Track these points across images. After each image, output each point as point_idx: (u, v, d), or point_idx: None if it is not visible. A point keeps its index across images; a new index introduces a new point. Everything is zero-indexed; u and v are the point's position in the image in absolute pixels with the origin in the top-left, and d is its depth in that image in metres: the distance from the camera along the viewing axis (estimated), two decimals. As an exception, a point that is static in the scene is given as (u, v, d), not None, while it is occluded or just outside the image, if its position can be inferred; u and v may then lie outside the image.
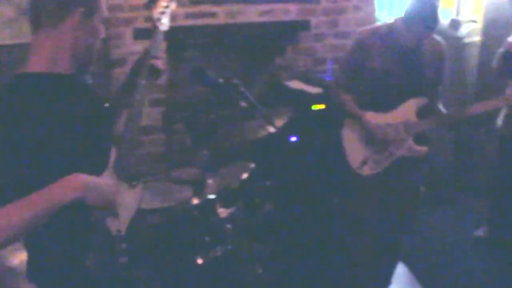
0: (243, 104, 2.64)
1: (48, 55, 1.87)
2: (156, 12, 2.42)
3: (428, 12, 3.10)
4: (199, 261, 3.11)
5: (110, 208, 1.94)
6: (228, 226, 3.31)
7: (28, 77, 1.84)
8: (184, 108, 4.44)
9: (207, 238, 3.19)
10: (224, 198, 3.36)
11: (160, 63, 2.29)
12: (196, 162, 3.78)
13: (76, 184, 1.75)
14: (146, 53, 2.28)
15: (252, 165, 3.52)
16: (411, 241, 4.09)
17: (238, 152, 4.01)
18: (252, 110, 2.68)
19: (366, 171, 3.46)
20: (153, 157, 4.40)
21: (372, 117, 3.39)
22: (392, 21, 3.36)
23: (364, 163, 3.47)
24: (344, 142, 3.55)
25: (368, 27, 3.55)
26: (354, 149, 3.51)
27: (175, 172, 3.80)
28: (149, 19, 2.29)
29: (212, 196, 3.25)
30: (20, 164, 1.72)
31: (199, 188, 3.36)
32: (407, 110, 3.37)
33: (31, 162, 1.73)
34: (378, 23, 3.46)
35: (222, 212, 3.36)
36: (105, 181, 1.91)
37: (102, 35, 2.00)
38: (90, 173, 1.84)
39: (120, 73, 4.12)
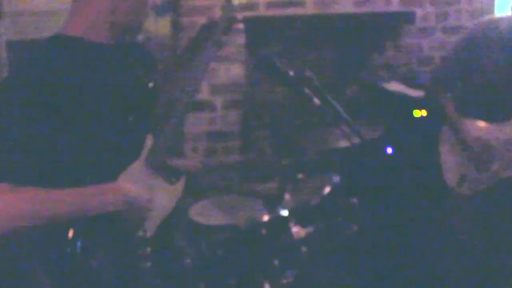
0: (317, 102, 2.46)
1: (86, 21, 1.91)
2: None
3: None
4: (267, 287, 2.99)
5: (140, 224, 1.99)
6: (303, 248, 3.16)
7: (62, 39, 1.90)
8: (265, 111, 4.37)
9: (276, 262, 3.06)
10: (301, 216, 3.21)
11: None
12: (275, 174, 3.68)
13: (118, 197, 1.84)
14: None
15: (337, 178, 3.39)
16: None
17: (323, 162, 3.89)
18: (329, 110, 2.50)
19: (465, 190, 3.32)
20: (227, 167, 4.32)
21: (477, 127, 3.24)
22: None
23: (462, 180, 3.31)
24: (441, 153, 3.40)
25: (485, 19, 3.41)
26: (452, 163, 3.37)
27: (251, 184, 3.80)
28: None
29: (285, 213, 3.13)
30: (47, 131, 1.76)
31: (273, 203, 3.24)
32: None
33: (57, 131, 1.77)
34: (497, 15, 3.28)
35: (297, 232, 3.20)
36: (145, 195, 1.95)
37: (146, 8, 2.01)
38: (118, 159, 1.93)
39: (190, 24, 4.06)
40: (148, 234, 2.04)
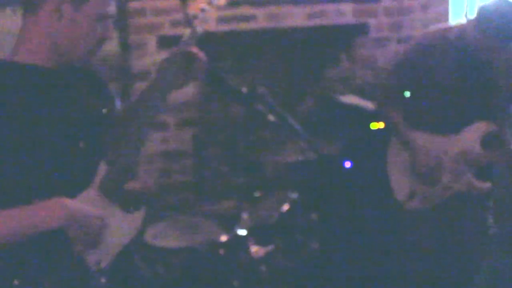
0: (271, 119, 2.55)
1: (29, 44, 1.91)
2: (194, 8, 2.29)
3: (507, 20, 2.94)
4: None
5: (89, 243, 1.94)
6: (263, 268, 3.25)
7: (7, 66, 1.89)
8: (219, 129, 4.39)
9: (235, 282, 3.15)
10: (259, 235, 3.31)
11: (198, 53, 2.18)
12: (231, 193, 3.77)
13: (62, 211, 1.81)
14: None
15: (295, 195, 3.48)
16: None
17: (279, 180, 3.94)
18: (284, 126, 2.60)
19: (414, 205, 3.30)
20: (181, 186, 4.35)
21: (426, 140, 3.24)
22: (464, 22, 3.23)
23: (412, 195, 3.29)
24: (388, 168, 3.39)
25: (435, 28, 3.41)
26: (400, 177, 3.34)
27: (206, 204, 3.88)
28: (185, 16, 2.24)
29: (243, 232, 3.21)
30: None
31: (230, 223, 3.33)
32: (471, 136, 3.22)
33: (3, 157, 1.78)
34: (447, 24, 3.33)
35: (256, 251, 3.29)
36: (93, 212, 1.91)
37: (96, 33, 1.95)
38: (68, 186, 1.88)
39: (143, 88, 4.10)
40: (103, 265, 2.00)
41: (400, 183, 3.35)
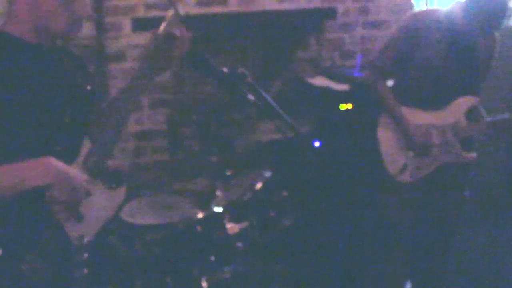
0: (251, 98, 2.46)
1: (16, 18, 1.91)
2: None
3: (495, 8, 2.98)
4: (204, 284, 2.99)
5: (73, 206, 1.88)
6: (238, 244, 3.17)
7: (3, 36, 1.89)
8: (192, 110, 4.31)
9: (212, 258, 3.07)
10: (235, 212, 3.21)
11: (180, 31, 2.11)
12: (204, 172, 3.68)
13: (50, 168, 1.76)
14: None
15: (268, 174, 3.38)
16: (456, 265, 4.00)
17: (252, 159, 3.90)
18: (262, 105, 2.50)
19: (406, 178, 3.33)
20: (155, 165, 4.29)
21: (415, 116, 3.27)
22: (449, 6, 3.22)
23: (404, 169, 3.32)
24: (380, 144, 3.38)
25: (423, 11, 3.48)
26: (392, 152, 3.36)
27: (180, 182, 3.75)
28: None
29: (219, 209, 3.13)
30: None
31: (205, 200, 3.26)
32: (457, 110, 3.28)
33: None
34: (432, 8, 3.33)
35: (232, 228, 3.20)
36: (78, 174, 1.87)
37: (73, 8, 1.92)
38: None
39: (118, 69, 4.03)
40: (86, 240, 1.99)
41: (393, 157, 3.36)
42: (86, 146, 1.99)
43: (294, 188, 3.53)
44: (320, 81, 4.30)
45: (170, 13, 2.10)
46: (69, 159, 1.93)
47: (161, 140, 4.30)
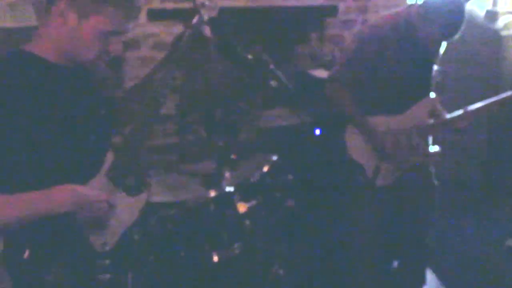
0: (273, 84, 2.51)
1: (45, 43, 1.90)
2: None
3: (452, 19, 2.96)
4: (215, 258, 3.00)
5: (97, 226, 1.94)
6: (247, 222, 3.18)
7: (29, 56, 1.87)
8: (200, 96, 4.31)
9: (224, 234, 3.08)
10: (243, 192, 3.23)
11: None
12: (211, 155, 3.67)
13: (69, 196, 1.80)
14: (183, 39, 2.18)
15: (274, 157, 3.40)
16: (439, 249, 4.06)
17: (258, 143, 3.92)
18: (283, 90, 2.56)
19: (379, 182, 3.29)
20: (165, 148, 4.31)
21: (380, 123, 3.25)
22: (407, 10, 3.19)
23: (376, 172, 3.28)
24: (350, 151, 3.36)
25: (380, 21, 3.36)
26: (364, 157, 3.33)
27: (188, 165, 3.76)
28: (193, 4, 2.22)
29: (230, 189, 3.14)
30: (8, 145, 1.74)
31: (215, 180, 3.27)
32: (421, 111, 3.27)
33: (17, 146, 1.75)
34: (388, 17, 3.32)
35: (241, 206, 3.21)
36: (99, 196, 1.89)
37: (98, 46, 1.93)
38: (78, 174, 1.90)
39: (134, 57, 4.07)
40: (108, 247, 2.00)
41: (364, 161, 3.33)
42: (109, 157, 2.01)
43: (297, 172, 3.56)
44: (321, 73, 4.29)
45: (196, 17, 2.19)
46: (94, 171, 1.97)
47: (171, 125, 4.33)
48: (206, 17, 2.20)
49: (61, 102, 1.87)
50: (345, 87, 3.27)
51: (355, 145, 3.34)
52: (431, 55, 3.26)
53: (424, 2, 3.04)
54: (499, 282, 4.01)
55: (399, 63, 3.17)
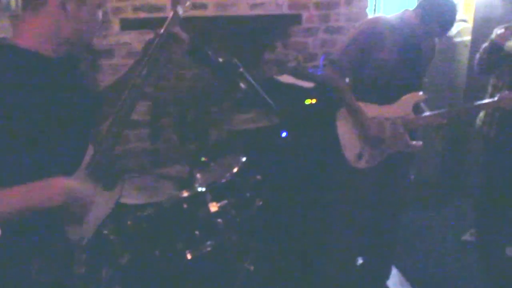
0: (243, 86, 2.54)
1: (34, 36, 1.84)
2: None
3: (449, 16, 3.11)
4: (189, 256, 3.01)
5: (77, 220, 1.91)
6: (219, 220, 3.19)
7: (14, 49, 1.80)
8: (171, 103, 4.34)
9: (197, 232, 3.09)
10: (215, 192, 3.24)
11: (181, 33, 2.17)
12: (183, 159, 3.70)
13: (61, 190, 1.75)
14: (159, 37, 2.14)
15: (243, 159, 3.43)
16: (400, 243, 4.10)
17: (227, 146, 3.92)
18: (252, 93, 2.58)
19: (362, 164, 3.41)
20: (139, 152, 4.31)
21: (370, 109, 3.34)
22: (404, 13, 3.31)
23: (360, 156, 3.41)
24: (339, 134, 3.45)
25: (379, 17, 3.49)
26: (349, 141, 3.43)
27: (161, 168, 3.72)
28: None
29: (202, 189, 3.15)
30: None
31: (188, 182, 3.25)
32: (406, 104, 3.35)
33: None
34: (388, 15, 3.41)
35: (213, 206, 3.23)
36: (86, 187, 1.87)
37: (97, 20, 1.93)
38: (62, 166, 1.84)
39: (107, 65, 4.05)
40: (85, 240, 1.98)
41: (350, 147, 3.43)
42: (89, 151, 1.99)
43: (266, 172, 3.59)
44: (287, 78, 4.34)
45: (170, 14, 2.16)
46: (75, 166, 1.93)
47: (143, 129, 4.32)
48: (181, 14, 2.19)
49: (47, 93, 1.82)
50: (342, 71, 3.36)
51: (344, 129, 3.43)
52: (420, 53, 3.35)
53: (421, 4, 3.18)
54: (456, 274, 4.10)
55: (390, 56, 3.26)
